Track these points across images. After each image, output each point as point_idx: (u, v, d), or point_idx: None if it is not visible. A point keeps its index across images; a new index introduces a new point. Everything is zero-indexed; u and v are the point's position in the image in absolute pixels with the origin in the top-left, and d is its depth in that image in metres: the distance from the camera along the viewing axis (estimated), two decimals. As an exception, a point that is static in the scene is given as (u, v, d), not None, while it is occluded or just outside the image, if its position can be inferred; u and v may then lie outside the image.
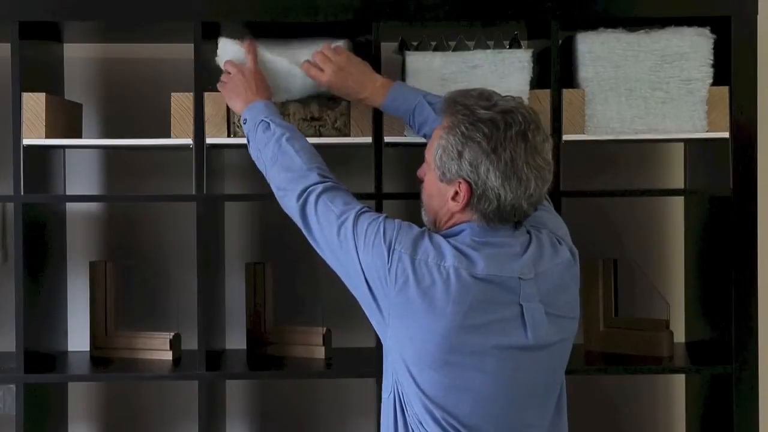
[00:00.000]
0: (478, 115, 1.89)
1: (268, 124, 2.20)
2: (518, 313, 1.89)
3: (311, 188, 2.03)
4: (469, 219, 1.93)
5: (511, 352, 1.89)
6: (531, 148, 1.88)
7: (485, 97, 1.93)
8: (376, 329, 1.98)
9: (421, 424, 1.90)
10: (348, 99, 2.44)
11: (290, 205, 2.06)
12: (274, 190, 2.13)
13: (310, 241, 2.04)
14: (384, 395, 2.02)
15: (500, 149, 1.86)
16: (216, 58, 2.49)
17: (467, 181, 1.89)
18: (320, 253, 2.03)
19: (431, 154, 1.95)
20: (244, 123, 2.26)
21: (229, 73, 2.38)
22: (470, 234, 1.92)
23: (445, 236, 1.93)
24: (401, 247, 1.88)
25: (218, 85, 2.40)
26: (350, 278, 1.97)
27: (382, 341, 1.98)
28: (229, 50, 2.46)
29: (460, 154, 1.89)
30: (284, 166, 2.11)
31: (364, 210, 1.98)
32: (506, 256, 1.90)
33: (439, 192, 1.95)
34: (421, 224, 2.00)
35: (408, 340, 1.88)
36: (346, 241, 1.94)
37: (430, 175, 1.98)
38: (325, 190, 2.02)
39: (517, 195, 1.88)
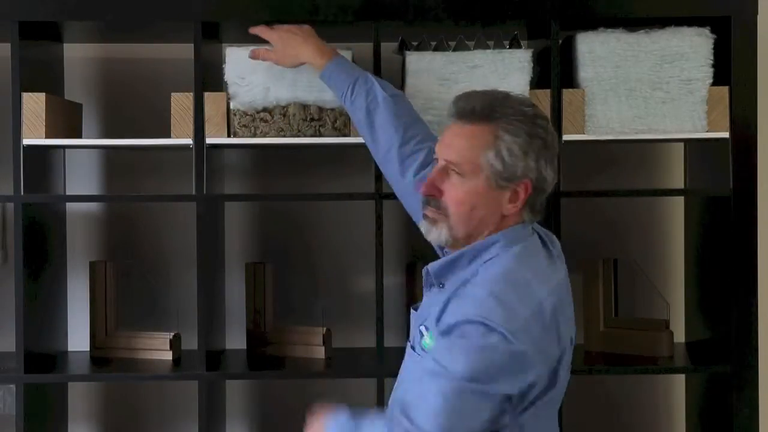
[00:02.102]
0: (527, 113, 1.90)
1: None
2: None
3: None
4: (520, 219, 1.93)
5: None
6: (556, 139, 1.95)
7: (506, 95, 1.94)
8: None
9: None
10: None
11: None
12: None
13: None
14: None
15: (551, 142, 1.91)
16: (224, 67, 2.50)
17: (530, 179, 1.89)
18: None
19: (477, 162, 1.88)
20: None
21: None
22: (505, 244, 1.91)
23: (488, 261, 1.90)
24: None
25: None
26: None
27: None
28: (237, 58, 2.48)
29: (525, 154, 1.87)
30: None
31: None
32: (547, 258, 1.96)
33: (489, 198, 1.89)
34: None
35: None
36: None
37: (470, 183, 1.89)
38: None
39: (554, 184, 1.94)
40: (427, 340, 1.90)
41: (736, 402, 2.50)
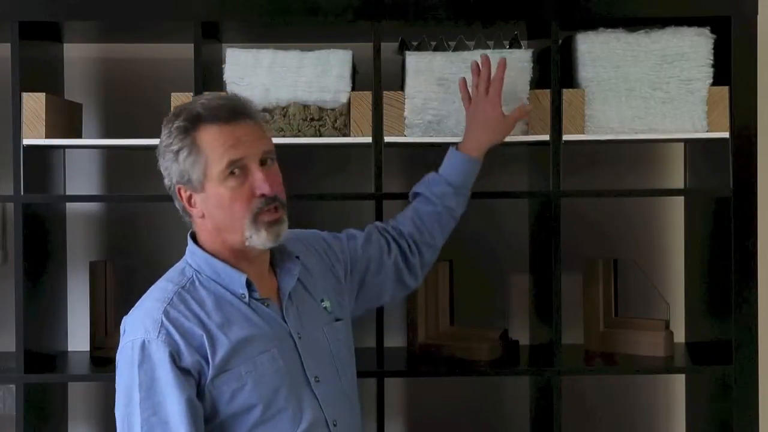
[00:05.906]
0: None
1: None
2: None
3: None
4: None
5: None
6: None
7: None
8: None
9: None
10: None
11: None
12: None
13: None
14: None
15: None
16: (224, 67, 2.50)
17: None
18: None
19: (271, 146, 1.95)
20: None
21: None
22: None
23: None
24: None
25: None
26: None
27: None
28: (237, 58, 2.48)
29: None
30: None
31: None
32: None
33: None
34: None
35: None
36: None
37: (278, 169, 1.97)
38: None
39: None
40: (328, 304, 2.06)
41: (736, 402, 2.50)
